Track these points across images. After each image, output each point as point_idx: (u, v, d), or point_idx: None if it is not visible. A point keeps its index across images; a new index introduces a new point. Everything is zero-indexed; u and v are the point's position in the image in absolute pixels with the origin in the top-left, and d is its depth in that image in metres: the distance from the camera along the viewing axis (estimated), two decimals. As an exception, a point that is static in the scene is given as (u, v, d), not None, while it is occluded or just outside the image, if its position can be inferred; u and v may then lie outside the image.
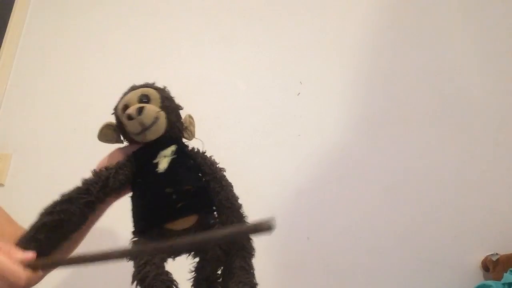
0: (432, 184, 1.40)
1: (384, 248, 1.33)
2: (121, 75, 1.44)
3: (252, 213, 1.32)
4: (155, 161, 0.62)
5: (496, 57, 1.57)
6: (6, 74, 1.41)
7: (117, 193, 0.64)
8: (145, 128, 0.61)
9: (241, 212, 0.67)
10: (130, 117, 0.61)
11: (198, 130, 1.54)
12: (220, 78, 1.47)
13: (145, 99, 0.65)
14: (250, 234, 0.57)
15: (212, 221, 0.64)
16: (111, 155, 0.70)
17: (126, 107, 0.64)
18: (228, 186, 0.67)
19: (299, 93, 1.47)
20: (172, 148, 0.65)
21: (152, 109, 0.63)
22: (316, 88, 1.48)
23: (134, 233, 0.63)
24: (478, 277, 1.32)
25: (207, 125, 1.42)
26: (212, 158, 0.69)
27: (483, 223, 1.37)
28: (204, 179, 0.66)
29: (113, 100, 1.44)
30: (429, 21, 1.60)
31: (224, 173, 0.68)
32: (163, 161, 0.62)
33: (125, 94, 0.68)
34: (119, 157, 0.67)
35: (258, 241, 1.28)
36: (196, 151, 0.69)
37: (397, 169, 1.41)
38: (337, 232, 1.33)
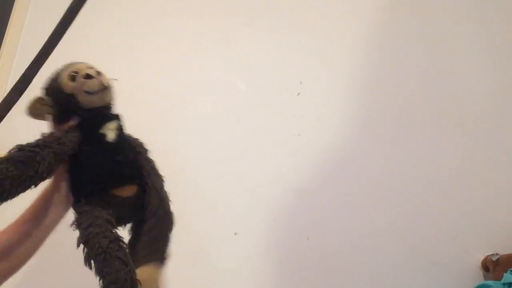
0: (432, 184, 1.40)
1: (384, 248, 1.33)
2: (121, 75, 1.44)
3: (252, 212, 1.32)
4: (101, 131, 0.65)
5: (496, 58, 1.57)
6: (6, 74, 1.41)
7: (66, 156, 0.62)
8: (104, 88, 0.65)
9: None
10: (89, 76, 0.64)
11: (197, 131, 1.55)
12: (220, 78, 1.47)
13: (92, 68, 0.68)
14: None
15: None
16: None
17: (75, 73, 0.66)
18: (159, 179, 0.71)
19: (299, 93, 1.47)
20: (117, 122, 0.68)
21: (105, 76, 0.67)
22: (316, 88, 1.48)
23: (78, 197, 0.64)
24: (478, 277, 1.32)
25: (207, 125, 1.42)
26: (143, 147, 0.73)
27: (483, 223, 1.37)
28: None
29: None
30: (429, 21, 1.60)
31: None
32: (111, 132, 0.65)
33: (63, 67, 0.69)
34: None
35: (258, 241, 1.29)
36: (135, 138, 0.73)
37: (397, 169, 1.41)
38: (337, 232, 1.33)
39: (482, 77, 1.54)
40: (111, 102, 0.69)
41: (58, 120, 0.67)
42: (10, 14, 1.48)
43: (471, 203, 1.39)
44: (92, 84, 0.64)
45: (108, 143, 0.65)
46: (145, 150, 0.72)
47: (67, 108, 0.66)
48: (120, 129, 0.68)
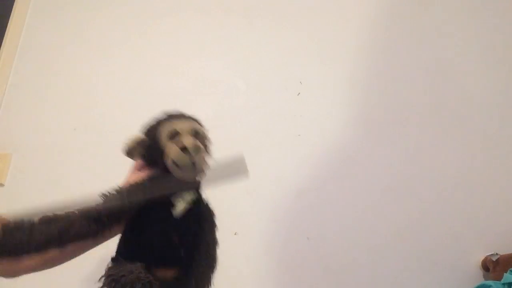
0: (432, 184, 1.40)
1: (384, 248, 1.33)
2: (121, 75, 1.44)
3: (252, 212, 1.32)
4: (173, 201, 0.60)
5: (496, 57, 1.57)
6: (6, 74, 1.41)
7: (128, 215, 0.60)
8: (195, 168, 0.60)
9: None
10: (185, 149, 0.58)
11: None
12: (220, 78, 1.47)
13: (195, 134, 0.63)
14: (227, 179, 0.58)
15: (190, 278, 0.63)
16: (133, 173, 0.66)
17: (175, 134, 0.61)
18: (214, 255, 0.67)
19: (299, 93, 1.47)
20: (193, 196, 0.63)
21: (205, 154, 0.62)
22: (316, 88, 1.48)
23: (116, 257, 0.60)
24: (478, 277, 1.32)
25: (207, 125, 1.42)
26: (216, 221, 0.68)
27: (483, 223, 1.37)
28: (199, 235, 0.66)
29: (113, 100, 1.44)
30: (429, 21, 1.60)
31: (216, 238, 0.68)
32: (181, 205, 0.60)
33: (169, 117, 0.64)
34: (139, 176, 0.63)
35: (258, 241, 1.29)
36: (209, 210, 0.68)
37: (397, 169, 1.41)
38: (337, 232, 1.33)
39: (483, 77, 1.54)
40: (198, 178, 0.63)
41: (145, 163, 0.65)
42: (10, 14, 1.48)
43: (471, 203, 1.39)
44: (184, 160, 0.58)
45: (173, 218, 0.60)
46: (211, 226, 0.66)
47: (155, 157, 0.62)
48: (193, 202, 0.62)
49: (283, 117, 1.44)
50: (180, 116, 0.65)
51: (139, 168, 0.66)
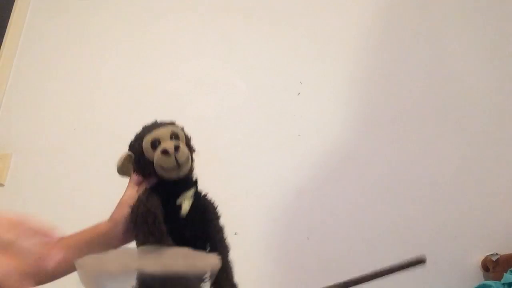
0: (432, 184, 1.40)
1: (384, 248, 1.33)
2: (121, 75, 1.44)
3: (252, 212, 1.32)
4: (178, 202, 0.65)
5: (496, 57, 1.57)
6: (6, 74, 1.41)
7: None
8: (179, 165, 0.64)
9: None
10: (166, 152, 0.63)
11: (198, 131, 1.54)
12: (220, 78, 1.47)
13: (175, 137, 0.68)
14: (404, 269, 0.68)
15: None
16: (128, 196, 0.68)
17: (156, 142, 0.66)
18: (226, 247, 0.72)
19: (299, 93, 1.47)
20: (193, 191, 0.67)
21: (186, 149, 0.66)
22: (316, 88, 1.48)
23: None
24: (478, 277, 1.32)
25: (207, 125, 1.42)
26: (219, 212, 0.72)
27: (483, 223, 1.37)
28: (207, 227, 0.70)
29: (113, 100, 1.44)
30: (429, 21, 1.60)
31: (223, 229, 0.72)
32: (186, 204, 0.65)
33: (149, 129, 0.68)
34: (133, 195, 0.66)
35: (258, 241, 1.29)
36: (209, 202, 0.72)
37: (397, 169, 1.41)
38: (337, 232, 1.33)
39: (482, 77, 1.54)
40: (189, 173, 0.68)
41: (140, 176, 0.68)
42: (10, 14, 1.48)
43: (471, 203, 1.39)
44: (167, 162, 0.63)
45: (181, 218, 0.64)
46: (217, 217, 0.71)
47: (146, 169, 0.66)
48: (194, 195, 0.67)
49: (283, 117, 1.44)
50: (158, 125, 0.70)
51: (137, 183, 0.68)
